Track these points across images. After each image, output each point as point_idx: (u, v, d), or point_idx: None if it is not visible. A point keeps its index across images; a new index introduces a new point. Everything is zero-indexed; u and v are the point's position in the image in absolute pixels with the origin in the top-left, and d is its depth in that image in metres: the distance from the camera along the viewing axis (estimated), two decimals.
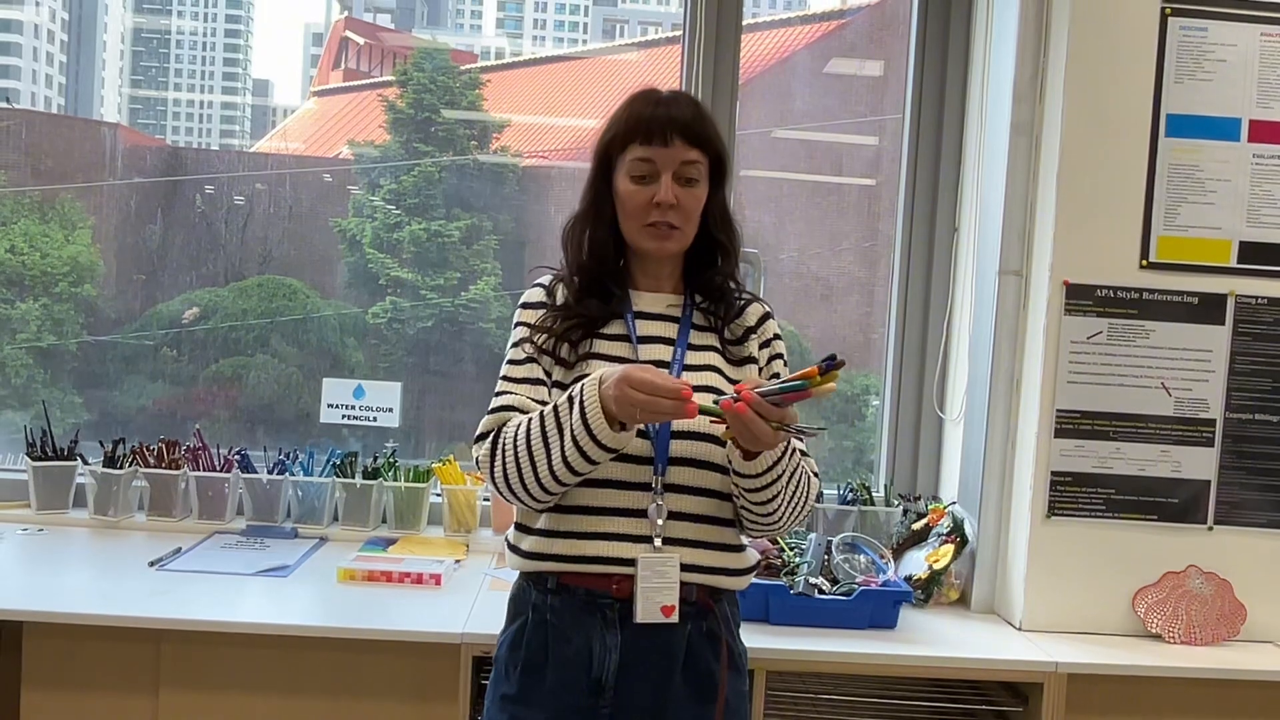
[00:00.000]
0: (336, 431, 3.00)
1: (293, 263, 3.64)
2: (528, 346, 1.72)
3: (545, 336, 1.71)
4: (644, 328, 1.73)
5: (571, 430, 1.56)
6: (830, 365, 1.48)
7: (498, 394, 1.72)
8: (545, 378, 1.70)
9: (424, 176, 3.70)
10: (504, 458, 1.63)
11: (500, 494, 1.67)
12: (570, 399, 1.58)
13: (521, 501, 1.65)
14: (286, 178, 3.74)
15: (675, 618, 1.62)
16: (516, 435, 1.62)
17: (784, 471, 1.61)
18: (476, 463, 1.70)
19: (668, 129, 1.66)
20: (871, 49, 3.47)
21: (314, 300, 3.59)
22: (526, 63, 4.66)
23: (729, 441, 1.59)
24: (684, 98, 1.73)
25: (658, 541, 1.62)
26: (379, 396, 2.83)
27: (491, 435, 1.67)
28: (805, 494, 1.69)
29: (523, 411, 1.66)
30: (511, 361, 1.74)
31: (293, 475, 2.71)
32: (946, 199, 2.80)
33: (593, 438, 1.54)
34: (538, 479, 1.60)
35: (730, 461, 1.61)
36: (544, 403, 1.65)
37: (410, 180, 3.70)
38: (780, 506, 1.64)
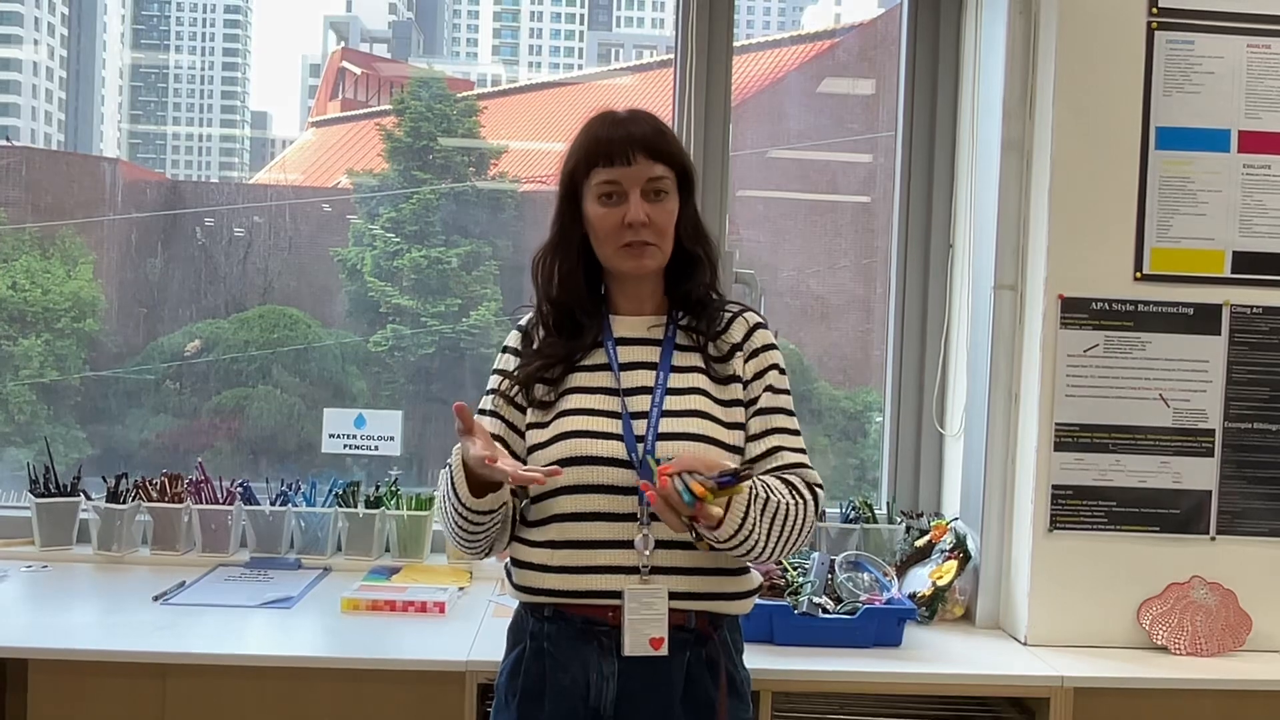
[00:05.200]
0: (340, 461, 3.00)
1: (293, 293, 3.65)
2: (495, 400, 1.75)
3: (513, 386, 1.73)
4: (625, 354, 1.72)
5: (452, 496, 1.63)
6: (727, 482, 1.49)
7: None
8: (505, 432, 1.73)
9: (423, 204, 3.72)
10: (441, 512, 1.72)
11: None
12: (449, 463, 1.65)
13: (467, 555, 1.74)
14: (286, 208, 3.76)
15: (664, 650, 1.61)
16: (440, 494, 1.71)
17: (751, 531, 1.57)
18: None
19: (629, 148, 1.65)
20: (863, 68, 3.49)
21: (315, 330, 3.60)
22: (523, 89, 4.70)
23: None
24: (641, 115, 1.71)
25: (644, 572, 1.62)
26: (380, 425, 2.84)
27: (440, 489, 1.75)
28: (795, 525, 1.63)
29: None
30: (479, 411, 1.77)
31: (295, 506, 2.72)
32: (941, 215, 2.81)
33: (461, 503, 1.61)
34: (457, 538, 1.69)
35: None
36: None
37: (409, 208, 3.72)
38: (766, 550, 1.60)
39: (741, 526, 1.56)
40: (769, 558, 1.63)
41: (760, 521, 1.58)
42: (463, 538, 1.67)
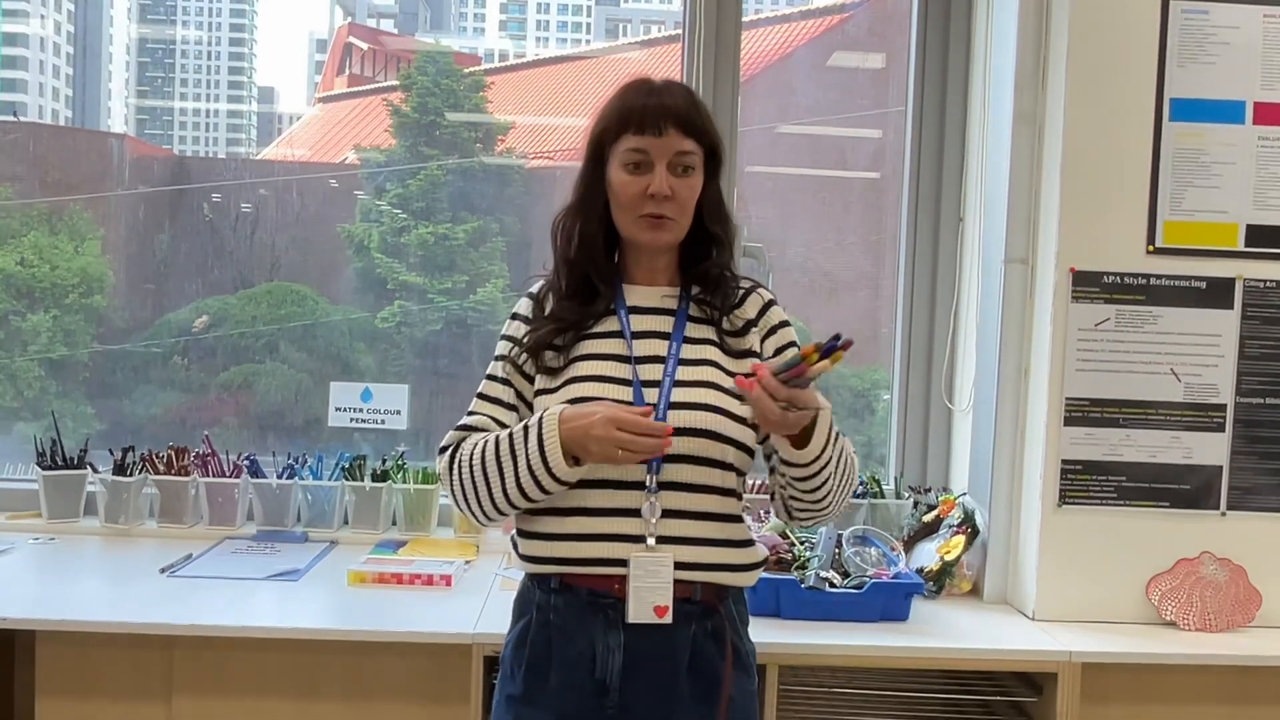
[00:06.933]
0: (348, 435, 3.01)
1: (300, 269, 3.64)
2: (505, 367, 1.74)
3: (521, 354, 1.71)
4: (638, 322, 1.71)
5: (527, 459, 1.59)
6: (833, 346, 1.47)
7: (469, 410, 1.75)
8: (516, 400, 1.72)
9: (429, 180, 3.70)
10: (459, 475, 1.67)
11: (456, 507, 1.72)
12: (526, 428, 1.60)
13: (474, 518, 1.70)
14: (293, 184, 3.75)
15: (669, 618, 1.60)
16: (473, 456, 1.65)
17: (831, 457, 1.61)
18: (439, 472, 1.75)
19: (661, 119, 1.64)
20: (874, 41, 3.46)
21: (323, 306, 3.60)
22: (530, 64, 4.66)
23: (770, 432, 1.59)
24: (677, 86, 1.70)
25: (651, 541, 1.61)
26: (386, 399, 2.84)
27: (451, 450, 1.71)
28: (851, 475, 1.69)
29: (482, 432, 1.69)
30: (489, 377, 1.76)
31: (302, 479, 2.72)
32: (951, 189, 2.79)
33: (548, 470, 1.57)
34: (492, 501, 1.64)
35: (778, 451, 1.61)
36: (505, 426, 1.68)
37: (416, 184, 3.70)
38: (831, 492, 1.65)
39: (825, 448, 1.58)
40: (829, 507, 1.67)
41: (834, 451, 1.61)
42: (510, 505, 1.63)
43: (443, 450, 1.73)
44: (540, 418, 1.60)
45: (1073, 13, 2.24)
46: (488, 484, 1.63)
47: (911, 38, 2.85)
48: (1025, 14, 2.35)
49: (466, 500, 1.68)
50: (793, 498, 1.67)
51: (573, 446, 1.56)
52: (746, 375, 1.52)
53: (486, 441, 1.64)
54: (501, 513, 1.66)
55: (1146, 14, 2.25)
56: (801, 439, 1.57)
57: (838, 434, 1.63)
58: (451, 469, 1.69)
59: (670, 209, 1.66)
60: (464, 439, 1.70)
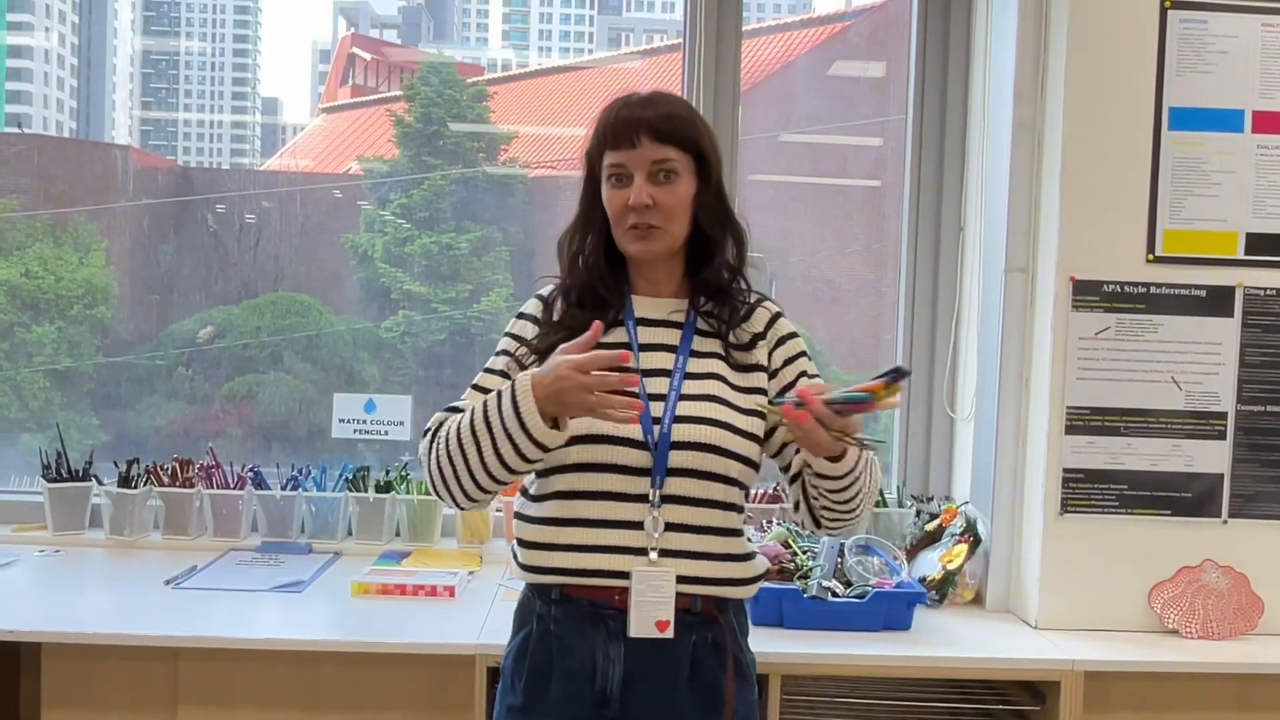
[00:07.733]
0: (352, 446, 3.01)
1: (304, 279, 3.66)
2: (507, 361, 1.73)
3: (530, 355, 1.70)
4: (646, 335, 1.71)
5: (504, 426, 1.54)
6: (895, 378, 1.49)
7: (462, 397, 1.73)
8: None
9: (433, 190, 3.71)
10: (436, 453, 1.63)
11: (433, 490, 1.67)
12: (500, 395, 1.56)
13: (451, 499, 1.65)
14: (297, 195, 3.76)
15: (670, 633, 1.60)
16: (449, 433, 1.62)
17: (863, 469, 1.62)
18: (419, 456, 1.71)
19: (633, 131, 1.64)
20: (874, 50, 3.47)
21: (327, 316, 3.61)
22: (533, 74, 4.68)
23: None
24: (657, 97, 1.69)
25: (653, 554, 1.61)
26: (390, 410, 2.84)
27: (433, 431, 1.68)
28: (877, 479, 1.70)
29: None
30: (487, 370, 1.75)
31: (306, 491, 2.73)
32: (951, 198, 2.79)
33: (527, 434, 1.53)
34: (471, 477, 1.60)
35: (810, 465, 1.61)
36: None
37: (420, 194, 3.72)
38: (860, 501, 1.66)
39: (858, 460, 1.60)
40: (857, 515, 1.68)
41: (863, 460, 1.62)
42: (491, 480, 1.59)
43: (426, 432, 1.70)
44: (512, 383, 1.56)
45: (1071, 22, 2.25)
46: (465, 459, 1.59)
47: (911, 46, 2.85)
48: (1024, 23, 2.35)
49: (445, 479, 1.63)
50: (825, 508, 1.67)
51: (550, 406, 1.52)
52: (796, 405, 1.52)
53: (463, 417, 1.61)
54: (483, 490, 1.61)
55: (1145, 23, 2.25)
56: (838, 454, 1.58)
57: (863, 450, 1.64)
58: (431, 448, 1.65)
59: (654, 218, 1.65)
60: (446, 419, 1.67)
